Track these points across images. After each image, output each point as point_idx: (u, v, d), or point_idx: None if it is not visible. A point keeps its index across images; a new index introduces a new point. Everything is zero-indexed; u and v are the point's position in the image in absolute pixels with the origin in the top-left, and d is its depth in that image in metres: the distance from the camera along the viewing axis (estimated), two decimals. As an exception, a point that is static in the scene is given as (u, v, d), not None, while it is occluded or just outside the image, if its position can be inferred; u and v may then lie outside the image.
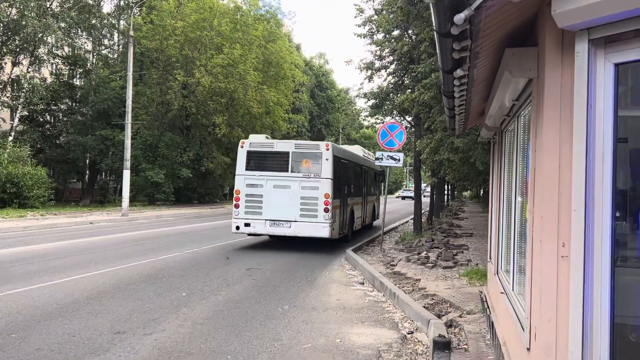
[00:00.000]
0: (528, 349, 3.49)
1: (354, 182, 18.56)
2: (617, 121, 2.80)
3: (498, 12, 3.01)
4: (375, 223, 23.57)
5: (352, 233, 17.61)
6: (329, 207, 13.90)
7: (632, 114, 2.91)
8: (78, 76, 38.37)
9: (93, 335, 6.24)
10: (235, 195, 14.72)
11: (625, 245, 2.82)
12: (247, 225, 14.47)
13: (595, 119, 2.83)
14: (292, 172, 14.39)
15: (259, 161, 14.68)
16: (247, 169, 14.63)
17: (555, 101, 3.11)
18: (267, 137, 16.46)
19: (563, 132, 3.06)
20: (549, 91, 3.15)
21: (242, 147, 14.88)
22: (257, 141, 15.26)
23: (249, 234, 15.34)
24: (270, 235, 15.59)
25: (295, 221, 14.16)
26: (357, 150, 21.18)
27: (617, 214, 2.81)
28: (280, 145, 14.98)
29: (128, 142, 27.28)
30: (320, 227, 14.06)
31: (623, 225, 2.82)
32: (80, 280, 9.45)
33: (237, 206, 14.59)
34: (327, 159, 14.31)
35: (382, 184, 24.16)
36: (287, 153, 14.52)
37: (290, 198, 14.23)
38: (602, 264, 2.79)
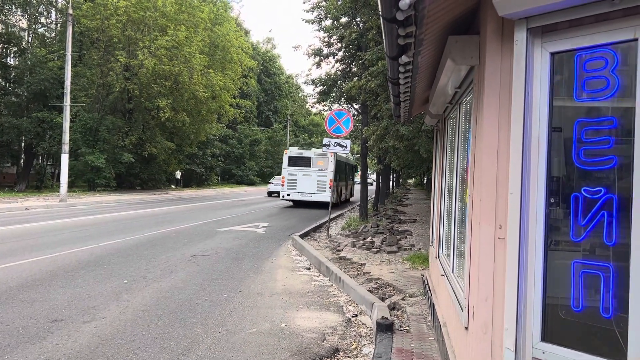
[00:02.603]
0: (466, 328, 3.61)
1: (342, 172, 30.33)
2: (552, 109, 2.91)
3: (442, -1, 3.06)
4: (352, 199, 35.39)
5: (341, 202, 29.77)
6: (332, 186, 21.80)
7: (567, 104, 3.03)
8: (12, 55, 36.34)
9: (28, 323, 6.00)
10: (282, 180, 27.54)
11: (558, 230, 2.95)
12: (288, 195, 27.36)
13: (532, 106, 2.93)
14: (312, 167, 26.98)
15: (295, 161, 27.31)
16: (288, 165, 27.23)
17: (495, 88, 3.21)
18: (299, 148, 30.50)
19: (502, 118, 3.16)
20: (489, 78, 3.23)
21: (285, 153, 27.97)
22: (294, 150, 28.64)
23: (290, 200, 27.95)
24: (294, 201, 27.97)
25: (315, 193, 26.81)
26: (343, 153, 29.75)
27: (552, 200, 2.93)
28: (306, 153, 27.85)
29: (67, 125, 26.19)
30: (327, 196, 25.53)
31: (556, 210, 2.94)
32: (15, 267, 9.04)
33: (282, 185, 27.51)
34: (331, 161, 25.60)
35: (355, 173, 37.72)
36: (310, 157, 27.27)
37: (312, 181, 26.86)
38: (536, 246, 2.91)
